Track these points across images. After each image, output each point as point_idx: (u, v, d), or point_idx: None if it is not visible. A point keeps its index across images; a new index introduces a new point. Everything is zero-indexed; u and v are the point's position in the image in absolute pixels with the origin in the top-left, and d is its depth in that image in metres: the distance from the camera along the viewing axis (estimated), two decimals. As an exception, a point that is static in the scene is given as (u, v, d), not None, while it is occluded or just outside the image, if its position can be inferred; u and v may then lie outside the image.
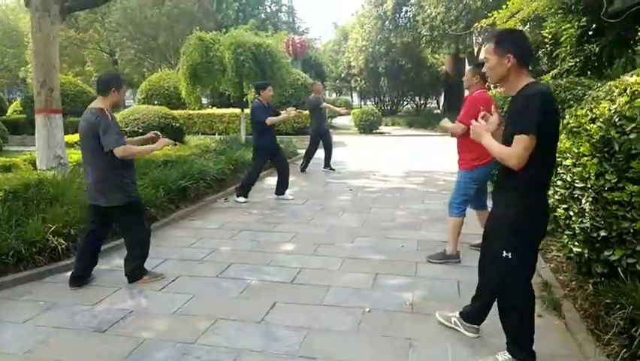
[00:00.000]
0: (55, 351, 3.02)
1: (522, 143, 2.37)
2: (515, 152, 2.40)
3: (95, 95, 3.96)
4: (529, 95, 2.42)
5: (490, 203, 3.03)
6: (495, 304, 2.84)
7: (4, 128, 13.53)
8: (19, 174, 5.90)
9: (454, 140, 4.43)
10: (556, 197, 3.55)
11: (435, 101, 32.18)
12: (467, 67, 4.62)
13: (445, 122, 4.42)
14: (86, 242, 4.08)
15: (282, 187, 7.33)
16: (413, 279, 4.11)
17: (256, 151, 7.24)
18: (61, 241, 4.46)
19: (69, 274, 4.05)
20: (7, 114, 19.12)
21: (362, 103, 34.50)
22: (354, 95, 42.72)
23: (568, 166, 3.38)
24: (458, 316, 3.15)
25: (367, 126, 19.51)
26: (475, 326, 3.07)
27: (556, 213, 3.55)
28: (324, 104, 9.96)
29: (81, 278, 4.02)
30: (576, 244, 3.36)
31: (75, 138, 10.08)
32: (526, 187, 2.49)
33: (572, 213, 3.36)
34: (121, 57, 30.71)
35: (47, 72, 6.63)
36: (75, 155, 7.66)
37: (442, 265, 4.37)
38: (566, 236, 3.55)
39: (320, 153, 9.95)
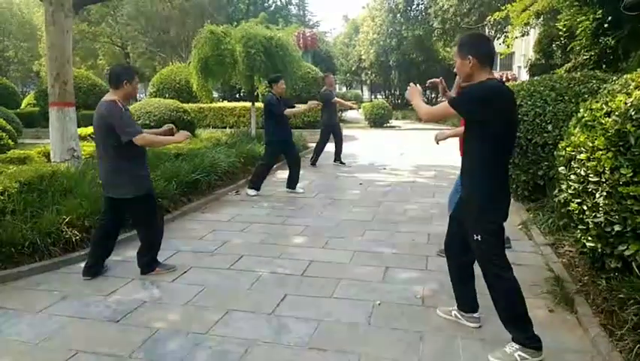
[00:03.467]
0: (69, 340, 3.06)
1: (440, 106, 2.84)
2: (430, 109, 2.92)
3: (107, 88, 4.00)
4: (476, 84, 2.67)
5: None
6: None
7: (18, 121, 13.68)
8: (34, 167, 5.97)
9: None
10: (570, 191, 3.51)
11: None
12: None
13: (444, 132, 4.20)
14: (100, 233, 4.14)
15: (292, 182, 7.34)
16: (424, 273, 4.10)
17: (268, 144, 7.25)
18: (76, 232, 4.51)
19: (83, 264, 4.10)
20: (21, 107, 19.33)
21: (372, 97, 34.36)
22: (365, 88, 42.55)
23: (582, 160, 3.34)
24: (456, 308, 3.21)
25: (378, 120, 19.45)
26: (474, 314, 3.13)
27: (570, 208, 3.52)
28: (335, 98, 9.89)
29: (94, 268, 4.07)
30: (589, 238, 3.33)
31: (88, 130, 10.17)
32: (481, 172, 2.71)
33: (585, 207, 3.32)
34: (132, 50, 30.89)
35: (61, 65, 6.68)
36: (88, 147, 7.75)
37: (452, 259, 4.35)
38: (579, 231, 3.52)
39: (330, 147, 9.94)
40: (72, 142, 6.76)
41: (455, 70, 2.84)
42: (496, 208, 2.71)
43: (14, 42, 32.10)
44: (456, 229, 3.04)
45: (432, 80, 3.47)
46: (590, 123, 3.41)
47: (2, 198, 4.62)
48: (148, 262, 4.11)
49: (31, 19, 32.00)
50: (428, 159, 10.51)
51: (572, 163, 3.52)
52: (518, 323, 2.72)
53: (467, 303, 3.14)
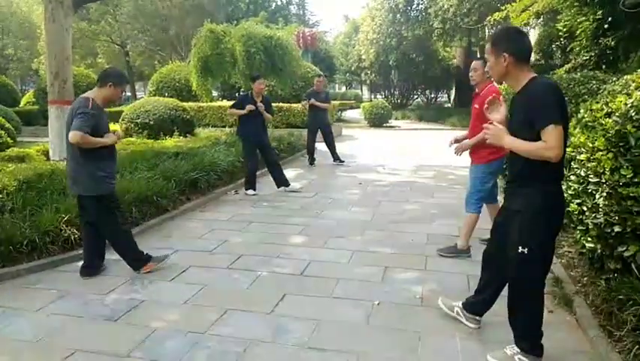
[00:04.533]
0: (67, 339, 3.05)
1: (555, 133, 2.33)
2: (553, 144, 2.33)
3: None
4: (542, 89, 2.41)
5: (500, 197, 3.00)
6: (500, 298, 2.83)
7: (18, 119, 13.66)
8: (33, 165, 5.98)
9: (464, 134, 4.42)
10: (570, 192, 3.51)
11: (446, 95, 31.96)
12: (475, 62, 4.67)
13: (466, 143, 4.26)
14: (85, 233, 4.11)
15: (279, 180, 7.25)
16: (423, 273, 4.10)
17: (241, 141, 7.38)
18: (74, 230, 4.50)
19: (81, 263, 4.10)
20: (21, 105, 19.31)
21: (372, 96, 34.37)
22: (365, 88, 42.58)
23: (582, 161, 3.34)
24: (461, 306, 3.16)
25: (377, 120, 19.46)
26: (477, 317, 3.09)
27: (569, 208, 3.51)
28: (303, 102, 9.66)
29: (91, 268, 4.06)
30: (589, 239, 3.33)
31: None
32: (545, 181, 2.48)
33: (585, 208, 3.32)
34: (132, 49, 30.85)
35: (60, 64, 6.68)
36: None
37: (452, 258, 4.36)
38: (578, 231, 3.52)
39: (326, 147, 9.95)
40: (71, 140, 6.75)
41: (487, 69, 2.65)
42: (550, 220, 2.51)
43: (13, 40, 32.06)
44: (501, 237, 2.77)
45: (490, 99, 2.87)
46: (590, 124, 3.41)
47: (1, 196, 4.62)
48: (133, 261, 4.08)
49: (30, 17, 31.93)
50: (427, 158, 10.52)
51: (572, 164, 3.52)
52: (530, 336, 2.65)
53: (478, 306, 3.06)
